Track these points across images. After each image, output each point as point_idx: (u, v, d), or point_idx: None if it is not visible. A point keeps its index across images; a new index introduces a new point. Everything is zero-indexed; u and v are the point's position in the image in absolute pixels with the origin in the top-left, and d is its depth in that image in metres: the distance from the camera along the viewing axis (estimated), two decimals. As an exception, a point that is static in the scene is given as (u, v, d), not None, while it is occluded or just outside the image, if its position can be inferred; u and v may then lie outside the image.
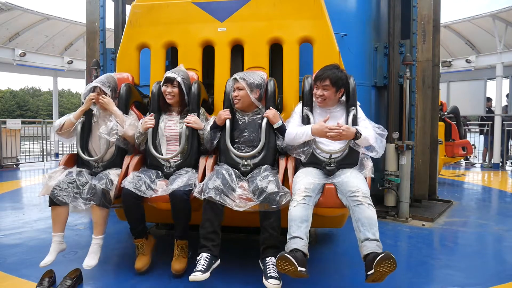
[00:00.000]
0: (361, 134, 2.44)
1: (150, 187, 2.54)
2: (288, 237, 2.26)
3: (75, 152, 2.84)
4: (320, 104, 2.65)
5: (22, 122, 10.71)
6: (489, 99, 9.81)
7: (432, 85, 4.67)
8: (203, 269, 2.26)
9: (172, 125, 2.83)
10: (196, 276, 2.22)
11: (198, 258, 2.34)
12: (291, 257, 2.07)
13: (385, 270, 2.06)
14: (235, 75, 2.75)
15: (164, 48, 3.25)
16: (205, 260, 2.31)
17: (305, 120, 2.67)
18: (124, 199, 2.51)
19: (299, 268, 2.06)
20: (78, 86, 63.34)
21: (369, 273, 2.10)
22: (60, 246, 2.60)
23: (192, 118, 2.75)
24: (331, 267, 2.89)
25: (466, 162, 9.93)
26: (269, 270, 2.32)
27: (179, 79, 2.77)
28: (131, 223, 2.63)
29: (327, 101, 2.62)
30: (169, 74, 2.79)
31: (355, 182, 2.35)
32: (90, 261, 2.51)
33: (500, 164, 9.26)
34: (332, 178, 2.48)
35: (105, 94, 2.79)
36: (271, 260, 2.36)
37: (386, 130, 2.61)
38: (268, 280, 2.26)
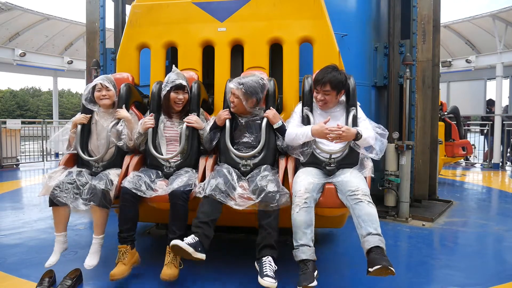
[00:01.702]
0: (361, 135, 2.44)
1: (150, 186, 2.53)
2: (294, 243, 2.27)
3: (75, 152, 2.84)
4: (321, 107, 2.65)
5: (22, 122, 10.71)
6: (492, 103, 9.80)
7: (432, 85, 4.67)
8: (190, 243, 2.20)
9: (171, 126, 2.83)
10: (180, 243, 2.17)
11: (185, 238, 2.28)
12: (309, 285, 2.10)
13: (384, 275, 2.08)
14: (233, 83, 2.66)
15: (164, 48, 3.25)
16: (193, 240, 2.24)
17: (305, 120, 2.66)
18: (122, 197, 2.50)
19: (314, 280, 2.13)
20: (78, 86, 63.35)
21: (370, 270, 2.08)
22: (63, 246, 2.61)
23: (193, 118, 2.74)
24: (331, 267, 2.89)
25: (466, 162, 9.94)
26: (265, 269, 2.26)
27: (186, 84, 2.77)
28: (121, 225, 2.53)
29: (329, 105, 2.62)
30: (178, 81, 2.73)
31: (354, 181, 2.35)
32: (91, 261, 2.52)
33: (500, 164, 9.27)
34: (332, 178, 2.48)
35: (108, 89, 2.79)
36: (268, 259, 2.31)
37: (386, 130, 2.61)
38: (264, 278, 2.20)
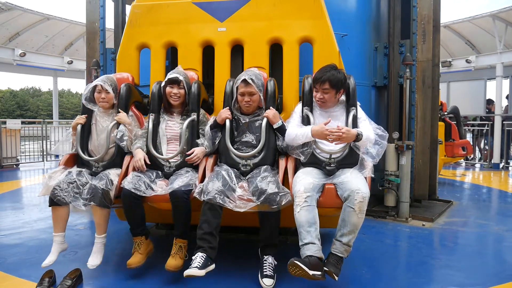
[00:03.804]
0: (362, 136, 2.44)
1: (150, 186, 2.53)
2: (300, 243, 2.27)
3: (75, 152, 2.84)
4: (320, 106, 2.66)
5: (22, 122, 10.72)
6: (490, 102, 9.81)
7: (432, 85, 4.67)
8: (199, 266, 2.23)
9: (172, 125, 2.83)
10: (192, 271, 2.19)
11: (193, 257, 2.31)
12: (299, 263, 2.11)
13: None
14: (244, 77, 2.65)
15: (164, 48, 3.25)
16: (201, 259, 2.28)
17: (305, 120, 2.66)
18: (124, 200, 2.51)
19: (311, 273, 2.12)
20: (78, 86, 63.27)
21: (325, 268, 2.23)
22: (61, 246, 2.61)
23: (195, 152, 2.67)
24: (331, 267, 2.88)
25: (466, 162, 9.94)
26: (265, 268, 2.38)
27: (184, 80, 2.78)
28: (131, 224, 2.62)
29: (327, 103, 2.62)
30: (174, 75, 2.76)
31: (355, 182, 2.34)
32: (94, 260, 2.52)
33: (502, 164, 9.26)
34: (332, 178, 2.48)
35: (108, 92, 2.80)
36: (268, 259, 2.42)
37: (386, 132, 2.61)
38: (262, 279, 2.35)
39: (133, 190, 2.46)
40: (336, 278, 2.23)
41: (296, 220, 2.30)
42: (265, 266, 2.40)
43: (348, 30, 4.20)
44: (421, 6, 4.47)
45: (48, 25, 11.59)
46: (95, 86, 2.81)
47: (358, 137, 2.43)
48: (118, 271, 2.74)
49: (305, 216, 2.27)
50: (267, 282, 2.37)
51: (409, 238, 3.66)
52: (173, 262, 2.50)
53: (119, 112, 2.82)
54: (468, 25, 11.28)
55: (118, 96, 2.88)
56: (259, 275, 2.41)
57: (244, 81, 2.64)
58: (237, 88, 2.71)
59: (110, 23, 5.13)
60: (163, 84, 2.82)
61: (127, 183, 2.49)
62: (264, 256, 2.45)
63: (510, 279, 2.65)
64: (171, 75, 2.78)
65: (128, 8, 4.33)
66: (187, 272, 2.20)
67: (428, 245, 3.49)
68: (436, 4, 4.91)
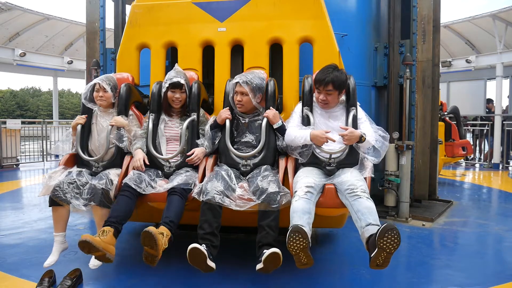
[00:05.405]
0: (365, 138, 2.45)
1: (150, 185, 2.53)
2: (290, 227, 2.19)
3: (75, 152, 2.84)
4: (322, 107, 2.65)
5: (22, 122, 10.72)
6: (490, 101, 9.82)
7: (432, 85, 4.67)
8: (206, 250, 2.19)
9: (172, 125, 2.83)
10: (199, 246, 2.16)
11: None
12: (302, 227, 2.03)
13: (389, 246, 2.01)
14: (238, 79, 2.70)
15: (164, 48, 3.25)
16: (204, 249, 2.21)
17: (305, 120, 2.66)
18: (122, 190, 2.48)
19: (309, 239, 2.04)
20: (78, 86, 63.26)
21: (372, 254, 2.06)
22: (62, 246, 2.62)
23: (195, 153, 2.68)
24: (331, 267, 2.89)
25: (466, 162, 9.94)
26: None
27: (185, 83, 2.77)
28: (113, 213, 2.39)
29: (330, 104, 2.62)
30: (176, 79, 2.73)
31: (353, 179, 2.35)
32: (96, 260, 2.52)
33: (502, 164, 9.26)
34: (332, 178, 2.47)
35: (105, 91, 2.79)
36: (267, 250, 2.23)
37: (387, 133, 2.61)
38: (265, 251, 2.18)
39: (134, 186, 2.46)
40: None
41: (291, 208, 2.26)
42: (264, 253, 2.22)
43: (348, 30, 4.20)
44: (421, 6, 4.47)
45: (48, 25, 11.60)
46: (94, 85, 2.82)
47: (361, 139, 2.44)
48: (118, 271, 2.74)
49: (302, 205, 2.24)
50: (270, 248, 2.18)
51: (409, 238, 3.66)
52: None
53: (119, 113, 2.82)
54: (468, 25, 11.28)
55: (118, 96, 2.88)
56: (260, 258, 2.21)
57: (238, 82, 2.68)
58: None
59: (110, 23, 5.14)
60: (164, 89, 2.78)
61: (129, 180, 2.50)
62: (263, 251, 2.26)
63: (510, 279, 2.65)
64: (172, 79, 2.73)
65: (128, 8, 4.33)
66: (194, 245, 2.15)
67: (428, 245, 3.49)
68: (436, 4, 4.90)
